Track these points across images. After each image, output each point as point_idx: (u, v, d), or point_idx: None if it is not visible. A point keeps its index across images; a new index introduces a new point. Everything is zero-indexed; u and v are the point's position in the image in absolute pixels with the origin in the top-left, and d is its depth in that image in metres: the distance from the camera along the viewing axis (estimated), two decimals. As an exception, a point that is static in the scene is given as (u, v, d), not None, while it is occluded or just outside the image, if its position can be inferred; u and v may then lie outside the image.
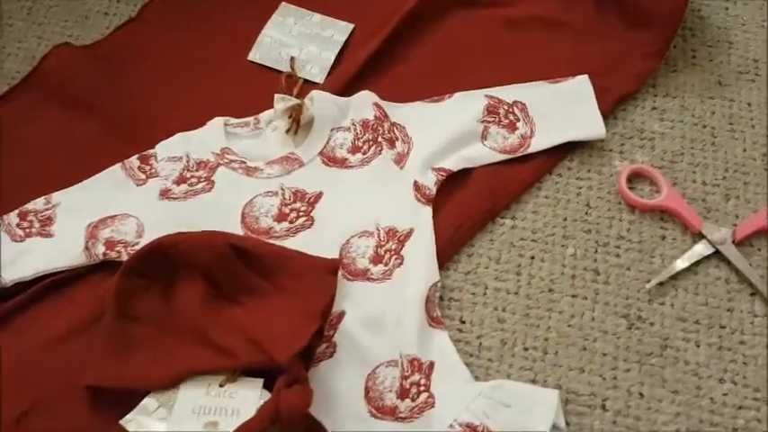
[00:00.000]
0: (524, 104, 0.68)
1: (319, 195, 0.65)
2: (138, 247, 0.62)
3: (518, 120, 0.67)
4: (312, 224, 0.63)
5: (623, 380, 0.57)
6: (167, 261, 0.58)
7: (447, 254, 0.62)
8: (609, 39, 0.72)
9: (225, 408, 0.54)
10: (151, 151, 0.66)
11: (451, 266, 0.62)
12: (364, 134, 0.67)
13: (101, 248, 0.62)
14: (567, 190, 0.65)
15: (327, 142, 0.67)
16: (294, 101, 0.67)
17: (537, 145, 0.66)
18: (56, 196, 0.65)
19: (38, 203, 0.65)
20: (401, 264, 0.60)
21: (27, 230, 0.64)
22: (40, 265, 0.61)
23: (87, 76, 0.71)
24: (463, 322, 0.60)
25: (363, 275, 0.61)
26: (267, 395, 0.54)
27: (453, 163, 0.65)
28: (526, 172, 0.65)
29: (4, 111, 0.71)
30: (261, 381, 0.55)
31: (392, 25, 0.72)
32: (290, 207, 0.65)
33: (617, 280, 0.61)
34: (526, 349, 0.58)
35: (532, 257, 0.62)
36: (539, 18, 0.73)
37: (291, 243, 0.62)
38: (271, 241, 0.62)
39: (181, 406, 0.54)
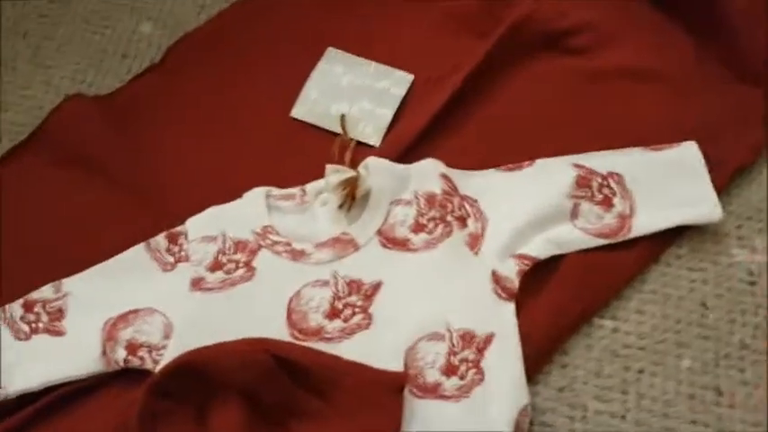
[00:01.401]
0: (621, 176, 0.56)
1: (378, 286, 0.54)
2: (164, 353, 0.52)
3: (614, 194, 0.56)
4: (370, 323, 0.53)
5: None
6: (201, 379, 0.48)
7: (535, 364, 0.51)
8: (715, 95, 0.61)
9: None
10: (180, 228, 0.56)
11: (541, 380, 0.51)
12: (429, 210, 0.56)
13: (121, 353, 0.51)
14: (677, 284, 0.54)
15: (386, 219, 0.56)
16: (350, 173, 0.56)
17: (639, 228, 0.55)
18: (67, 283, 0.55)
19: (45, 292, 0.54)
20: (482, 380, 0.50)
21: (33, 326, 0.53)
22: (49, 372, 0.51)
23: (102, 134, 0.61)
24: (559, 454, 0.51)
25: (434, 392, 0.50)
26: None
27: (539, 248, 0.54)
28: (628, 260, 0.54)
29: (6, 174, 0.61)
30: None
31: (460, 77, 0.61)
32: (343, 302, 0.54)
33: (744, 402, 0.50)
34: (638, 491, 0.50)
35: (641, 371, 0.51)
36: (629, 69, 0.62)
37: (346, 347, 0.51)
38: (321, 345, 0.52)
39: None
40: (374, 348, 0.51)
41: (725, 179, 0.57)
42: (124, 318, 0.53)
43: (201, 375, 0.48)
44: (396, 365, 0.51)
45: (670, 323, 0.53)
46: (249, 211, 0.57)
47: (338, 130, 0.62)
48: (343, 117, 0.62)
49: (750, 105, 0.60)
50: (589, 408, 0.50)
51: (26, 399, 0.51)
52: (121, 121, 0.62)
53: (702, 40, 0.63)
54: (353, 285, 0.54)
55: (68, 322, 0.54)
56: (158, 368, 0.51)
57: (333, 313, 0.53)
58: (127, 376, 0.52)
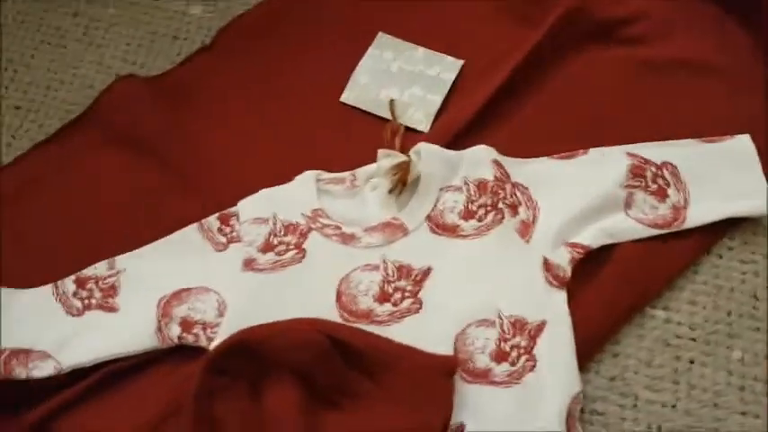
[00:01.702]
0: (675, 166, 0.56)
1: (427, 272, 0.54)
2: (218, 330, 0.52)
3: (668, 185, 0.56)
4: (420, 308, 0.53)
5: None
6: (256, 357, 0.48)
7: (587, 352, 0.51)
8: (769, 87, 0.63)
9: None
10: (233, 210, 0.56)
11: (593, 368, 0.51)
12: (480, 197, 0.56)
13: (176, 330, 0.52)
14: (728, 276, 0.54)
15: (436, 205, 0.56)
16: (402, 157, 0.56)
17: (693, 218, 0.54)
18: (120, 260, 0.55)
19: (99, 268, 0.55)
20: (534, 367, 0.50)
21: (86, 302, 0.54)
22: (103, 348, 0.52)
23: (153, 116, 0.62)
24: (610, 441, 0.51)
25: (485, 377, 0.50)
26: None
27: (591, 237, 0.54)
28: (681, 251, 0.54)
29: (57, 152, 0.62)
30: None
31: (512, 64, 0.60)
32: (393, 285, 0.54)
33: (796, 394, 0.52)
34: (689, 480, 0.50)
35: (692, 361, 0.51)
36: (686, 61, 0.61)
37: (396, 331, 0.51)
38: (371, 327, 0.52)
39: None
40: (424, 333, 0.51)
41: (779, 172, 0.58)
42: (177, 295, 0.54)
43: (256, 354, 0.49)
44: (445, 350, 0.51)
45: (721, 314, 0.53)
46: (300, 194, 0.57)
47: (387, 115, 0.62)
48: (392, 102, 0.62)
49: None
50: (640, 397, 0.50)
51: (79, 374, 0.52)
52: (172, 103, 0.62)
53: (757, 35, 0.62)
54: (403, 270, 0.54)
55: (122, 299, 0.54)
56: (212, 345, 0.51)
57: (382, 297, 0.53)
58: (180, 353, 0.52)
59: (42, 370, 0.51)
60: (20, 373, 0.51)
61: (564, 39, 0.62)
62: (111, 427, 0.50)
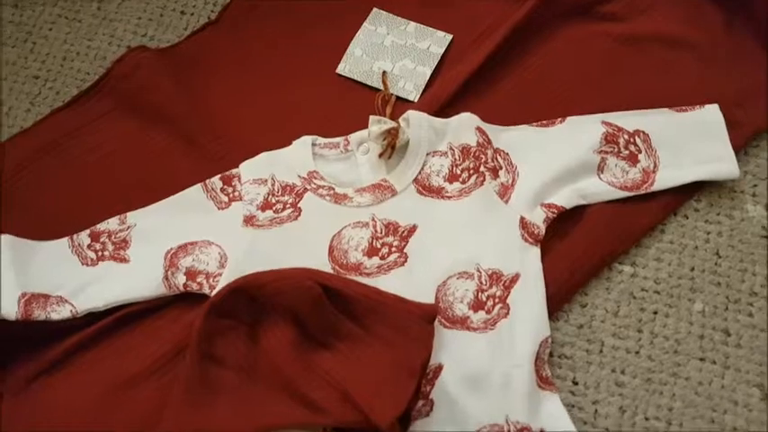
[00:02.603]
0: (647, 134, 0.60)
1: (413, 229, 0.59)
2: (220, 280, 0.57)
3: (640, 151, 0.60)
4: (405, 261, 0.57)
5: (758, 459, 0.53)
6: (254, 302, 0.53)
7: (557, 303, 0.56)
8: (741, 62, 0.64)
9: (313, 468, 0.51)
10: (234, 171, 0.61)
11: (562, 317, 0.56)
12: (464, 161, 0.60)
13: (181, 279, 0.57)
14: (693, 235, 0.58)
15: (422, 168, 0.61)
16: (391, 124, 0.60)
17: (662, 182, 0.59)
18: (131, 216, 0.60)
19: (111, 223, 0.60)
20: (507, 314, 0.54)
21: (99, 254, 0.59)
22: (115, 294, 0.57)
23: (162, 83, 0.66)
24: (576, 384, 0.54)
25: (462, 323, 0.55)
26: (360, 457, 0.51)
27: (565, 199, 0.58)
28: (648, 212, 0.58)
29: (73, 117, 0.66)
30: (352, 441, 0.52)
31: (496, 38, 0.64)
32: (381, 241, 0.59)
33: (750, 343, 0.54)
34: (647, 419, 0.52)
35: (655, 312, 0.55)
36: (660, 35, 0.65)
37: (383, 281, 0.56)
38: (361, 279, 0.57)
39: (267, 464, 0.51)
40: (408, 284, 0.56)
41: (743, 141, 0.60)
42: (183, 248, 0.59)
43: (255, 298, 0.53)
44: (427, 300, 0.55)
45: (685, 270, 0.57)
46: (296, 157, 0.62)
47: (380, 86, 0.66)
48: (384, 73, 0.66)
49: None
50: (606, 343, 0.55)
51: (93, 317, 0.57)
52: (181, 73, 0.67)
53: (729, 10, 0.66)
54: (390, 227, 0.59)
55: (132, 251, 0.59)
56: (214, 293, 0.57)
57: (371, 251, 0.58)
58: (185, 300, 0.57)
59: (59, 313, 0.56)
60: (39, 315, 0.56)
61: (547, 15, 0.66)
62: (123, 365, 0.55)
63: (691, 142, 0.60)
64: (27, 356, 0.56)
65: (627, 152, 0.60)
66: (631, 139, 0.60)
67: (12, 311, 0.55)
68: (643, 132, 0.60)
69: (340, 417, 0.50)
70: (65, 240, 0.60)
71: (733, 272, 0.56)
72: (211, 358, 0.53)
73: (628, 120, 0.61)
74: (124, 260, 0.59)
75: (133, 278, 0.58)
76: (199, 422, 0.52)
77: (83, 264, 0.59)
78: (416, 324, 0.53)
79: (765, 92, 0.61)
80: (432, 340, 0.53)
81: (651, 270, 0.57)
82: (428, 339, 0.53)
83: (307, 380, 0.51)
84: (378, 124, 0.61)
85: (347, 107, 0.65)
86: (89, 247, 0.60)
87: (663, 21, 0.65)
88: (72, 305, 0.57)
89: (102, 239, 0.60)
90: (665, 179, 0.59)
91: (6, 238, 0.58)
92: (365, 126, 0.62)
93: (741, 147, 0.60)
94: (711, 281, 0.56)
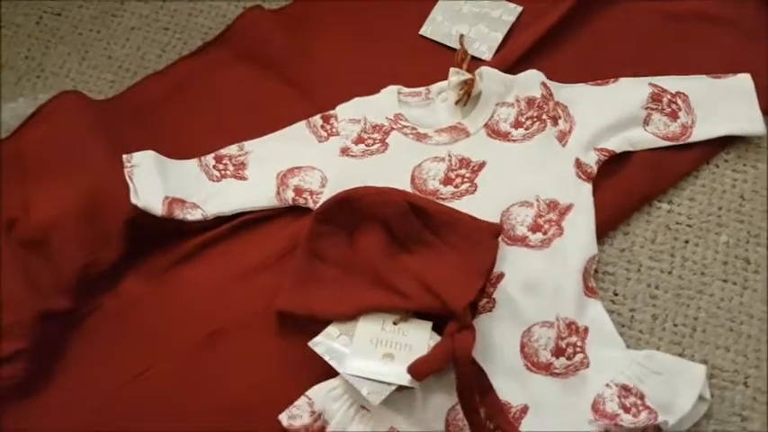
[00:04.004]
0: (686, 96, 0.70)
1: (483, 164, 0.70)
2: (321, 196, 0.69)
3: (680, 110, 0.70)
4: (475, 190, 0.68)
5: (766, 362, 0.61)
6: (353, 211, 0.65)
7: (604, 230, 0.67)
8: (770, 38, 0.76)
9: (398, 343, 0.61)
10: (332, 112, 0.73)
11: (607, 242, 0.66)
12: (528, 111, 0.71)
13: (290, 194, 0.69)
14: (722, 181, 0.68)
15: (492, 116, 0.71)
16: (468, 75, 0.72)
17: (697, 135, 0.69)
18: (248, 144, 0.73)
19: (232, 149, 0.73)
20: (561, 234, 0.65)
21: (222, 172, 0.72)
22: (237, 203, 0.69)
23: (275, 38, 0.78)
24: (616, 295, 0.64)
25: (522, 241, 0.66)
26: (436, 337, 0.61)
27: (616, 144, 0.69)
28: (685, 160, 0.69)
29: (200, 64, 0.79)
30: (430, 324, 0.61)
31: (560, 11, 0.75)
32: (455, 173, 0.70)
33: (767, 270, 0.64)
34: (676, 326, 0.63)
35: (686, 241, 0.66)
36: (703, 13, 0.75)
37: (455, 206, 0.67)
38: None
39: (360, 336, 0.61)
40: (477, 209, 0.66)
41: (771, 104, 0.72)
42: (291, 171, 0.71)
43: (354, 208, 0.65)
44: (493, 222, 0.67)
45: (714, 209, 0.67)
46: (385, 102, 0.73)
47: (458, 47, 0.77)
48: (462, 36, 0.77)
49: None
50: (643, 264, 0.65)
51: (220, 221, 0.69)
52: (290, 29, 0.79)
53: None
54: (463, 162, 0.70)
55: (249, 172, 0.72)
56: (318, 205, 0.68)
57: (446, 181, 0.69)
58: (293, 211, 0.69)
59: (193, 216, 0.69)
60: (178, 214, 0.68)
61: (604, -8, 0.78)
62: (244, 258, 0.67)
63: (724, 104, 0.70)
64: (165, 249, 0.69)
65: (669, 109, 0.70)
66: (673, 99, 0.71)
67: (158, 208, 0.67)
68: (683, 94, 0.71)
69: (421, 302, 0.61)
70: (194, 161, 0.72)
71: (755, 212, 0.67)
72: (317, 255, 0.65)
73: (671, 83, 0.72)
74: (243, 178, 0.71)
75: (251, 192, 0.70)
76: (306, 303, 0.64)
77: (209, 179, 0.71)
78: (484, 236, 0.65)
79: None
80: (496, 250, 0.64)
81: (685, 207, 0.67)
82: (493, 249, 0.64)
83: (394, 274, 0.63)
84: (456, 75, 0.72)
85: (428, 63, 0.76)
86: (214, 167, 0.72)
87: (705, 0, 0.76)
88: (203, 210, 0.69)
89: (224, 161, 0.72)
90: (701, 133, 0.69)
91: (151, 152, 0.71)
92: (444, 79, 0.73)
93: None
94: (736, 218, 0.67)
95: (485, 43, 0.76)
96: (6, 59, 0.82)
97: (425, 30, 0.78)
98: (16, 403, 0.63)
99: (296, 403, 0.60)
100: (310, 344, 0.61)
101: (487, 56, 0.76)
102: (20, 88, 0.80)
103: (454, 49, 0.76)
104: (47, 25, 0.84)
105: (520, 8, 0.78)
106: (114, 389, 0.63)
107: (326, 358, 0.60)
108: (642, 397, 0.58)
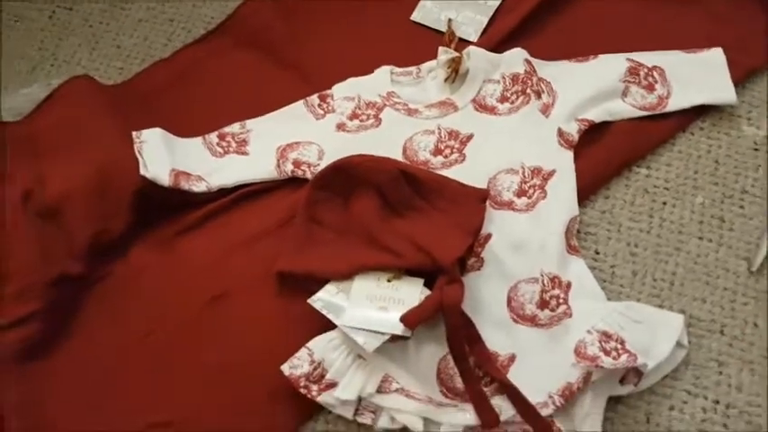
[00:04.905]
0: (662, 69, 0.75)
1: (470, 136, 0.74)
2: (319, 168, 0.73)
3: (656, 82, 0.74)
4: (464, 160, 0.72)
5: (740, 311, 0.64)
6: (348, 178, 0.69)
7: (585, 194, 0.70)
8: (740, 15, 0.78)
9: (392, 298, 0.64)
10: (328, 91, 0.77)
11: (589, 205, 0.70)
12: (513, 86, 0.75)
13: (289, 167, 0.73)
14: (698, 147, 0.72)
15: (479, 92, 0.76)
16: (455, 53, 0.76)
17: (673, 105, 0.73)
18: (249, 123, 0.77)
19: (234, 127, 0.77)
20: (545, 197, 0.69)
21: (226, 149, 0.76)
22: (239, 175, 0.73)
23: (275, 25, 0.83)
24: (598, 253, 0.68)
25: (508, 206, 0.69)
26: (426, 292, 0.64)
27: (595, 115, 0.73)
28: (662, 128, 0.73)
29: (203, 51, 0.84)
30: (422, 280, 0.65)
31: (540, -5, 0.82)
32: (445, 144, 0.74)
33: (741, 227, 0.68)
34: (655, 280, 0.66)
35: (664, 203, 0.69)
36: (677, -4, 0.82)
37: (445, 174, 0.70)
38: (429, 171, 0.73)
39: (356, 292, 0.64)
40: (465, 176, 0.70)
41: (742, 75, 0.74)
42: (291, 146, 0.75)
43: (349, 174, 0.69)
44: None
45: (690, 173, 0.71)
46: (378, 81, 0.78)
47: (446, 29, 0.81)
48: (450, 20, 0.82)
49: (760, 23, 0.76)
50: (623, 225, 0.69)
51: (223, 193, 0.73)
52: (288, 16, 0.84)
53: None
54: (453, 134, 0.74)
55: (251, 147, 0.76)
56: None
57: (437, 152, 0.73)
58: (293, 182, 0.73)
59: (198, 187, 0.73)
60: (183, 185, 0.72)
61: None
62: (246, 227, 0.71)
63: (698, 75, 0.75)
64: (171, 219, 0.73)
65: (646, 82, 0.75)
66: (650, 73, 0.75)
67: (165, 179, 0.71)
68: (659, 67, 0.75)
69: (413, 260, 0.64)
70: (198, 139, 0.77)
71: (729, 175, 0.70)
72: (314, 220, 0.69)
73: (647, 57, 0.76)
74: (245, 153, 0.75)
75: (252, 165, 0.75)
76: (305, 263, 0.67)
77: (212, 155, 0.76)
78: (472, 200, 0.68)
79: (759, 38, 0.75)
80: (484, 212, 0.67)
81: (662, 172, 0.71)
82: (481, 211, 0.67)
83: (387, 235, 0.66)
84: (445, 53, 0.77)
85: (419, 45, 0.80)
86: (217, 144, 0.76)
87: (681, -17, 0.82)
88: (207, 182, 0.73)
89: (227, 139, 0.76)
90: (676, 103, 0.73)
91: (158, 129, 0.75)
92: (434, 60, 0.78)
93: (740, 81, 0.74)
94: (711, 181, 0.70)
95: (471, 26, 0.81)
96: (22, 51, 0.87)
97: (416, 15, 0.83)
98: (30, 364, 0.67)
99: (297, 354, 0.63)
100: (309, 300, 0.64)
101: (474, 38, 0.81)
102: (34, 76, 0.85)
103: (443, 33, 0.81)
104: (59, 19, 0.89)
105: (504, -7, 0.85)
106: (122, 349, 0.67)
107: (324, 312, 0.63)
108: (622, 342, 0.61)
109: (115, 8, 0.89)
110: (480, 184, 0.70)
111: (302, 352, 0.63)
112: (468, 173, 0.71)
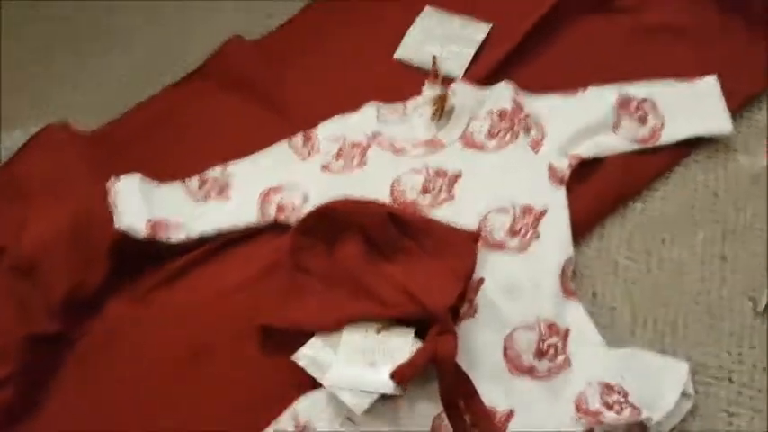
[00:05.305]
0: (654, 100, 0.72)
1: (459, 174, 0.71)
2: (304, 212, 0.70)
3: (648, 113, 0.72)
4: (453, 198, 0.70)
5: (748, 356, 0.61)
6: (333, 223, 0.66)
7: (580, 231, 0.67)
8: (733, 41, 0.76)
9: (381, 350, 0.60)
10: (314, 131, 0.75)
11: (583, 243, 0.67)
12: (501, 123, 0.73)
13: (272, 212, 0.71)
14: (695, 180, 0.69)
15: (466, 128, 0.73)
16: (441, 89, 0.74)
17: (666, 136, 0.71)
18: (231, 166, 0.74)
19: (215, 171, 0.74)
20: (538, 237, 0.66)
21: (207, 194, 0.73)
22: (221, 224, 0.71)
23: (255, 66, 0.81)
24: (595, 296, 0.65)
25: (500, 247, 0.67)
26: (418, 343, 0.61)
27: (587, 149, 0.71)
28: (655, 162, 0.70)
29: (184, 93, 0.82)
30: (412, 330, 0.61)
31: (528, 25, 0.78)
32: (432, 183, 0.71)
33: (745, 266, 0.64)
34: (656, 323, 0.63)
35: (662, 240, 0.66)
36: (664, 24, 0.78)
37: (434, 215, 0.68)
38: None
39: (343, 346, 0.61)
40: (455, 216, 0.68)
41: (737, 105, 0.72)
42: (274, 189, 0.73)
43: (333, 219, 0.66)
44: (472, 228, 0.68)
45: (687, 207, 0.68)
46: (364, 119, 0.76)
47: (431, 67, 0.79)
48: (434, 57, 0.79)
49: (756, 47, 0.74)
50: (620, 264, 0.66)
51: (202, 242, 0.70)
52: (269, 57, 0.82)
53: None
54: (440, 173, 0.72)
55: (233, 192, 0.73)
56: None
57: (424, 190, 0.71)
58: (275, 229, 0.70)
59: (177, 236, 0.70)
60: (161, 236, 0.70)
61: (572, 6, 0.79)
62: (228, 276, 0.68)
63: (691, 105, 0.72)
64: (149, 271, 0.70)
65: (637, 114, 0.72)
66: (641, 105, 0.73)
67: (141, 230, 0.69)
68: (651, 98, 0.73)
69: (402, 308, 0.61)
70: (178, 183, 0.74)
71: (729, 209, 0.67)
72: (299, 268, 0.66)
73: (638, 89, 0.73)
74: (227, 198, 0.73)
75: (234, 213, 0.72)
76: (290, 317, 0.64)
77: (194, 201, 0.73)
78: (462, 242, 0.66)
79: (755, 64, 0.73)
80: (476, 255, 0.65)
81: (659, 208, 0.68)
82: (472, 254, 0.65)
83: (375, 282, 0.64)
84: (431, 89, 0.75)
85: (404, 84, 0.78)
86: (199, 189, 0.74)
87: (668, 12, 0.78)
88: (187, 231, 0.71)
89: (208, 184, 0.74)
90: (670, 135, 0.71)
91: (137, 176, 0.73)
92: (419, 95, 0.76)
93: (736, 110, 0.72)
94: (710, 217, 0.67)
95: (456, 62, 0.79)
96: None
97: (400, 53, 0.81)
98: (6, 429, 0.64)
99: (281, 417, 0.60)
100: (293, 357, 0.61)
101: (458, 73, 0.78)
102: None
103: (428, 71, 0.79)
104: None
105: (489, 25, 0.81)
106: (102, 413, 0.63)
107: (309, 370, 0.60)
108: (625, 395, 0.57)
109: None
110: (471, 222, 0.68)
111: (287, 414, 0.59)
112: (458, 213, 0.68)
